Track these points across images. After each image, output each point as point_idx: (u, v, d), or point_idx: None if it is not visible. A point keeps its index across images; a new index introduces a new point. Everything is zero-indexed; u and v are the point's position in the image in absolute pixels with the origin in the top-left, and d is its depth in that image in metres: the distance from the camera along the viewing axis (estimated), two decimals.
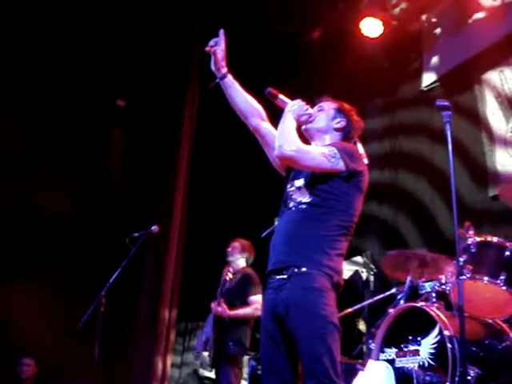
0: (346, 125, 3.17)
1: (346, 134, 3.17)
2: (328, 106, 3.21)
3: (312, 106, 3.22)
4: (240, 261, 5.70)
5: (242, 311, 5.31)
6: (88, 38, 7.94)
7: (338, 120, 3.17)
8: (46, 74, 7.93)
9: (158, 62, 8.52)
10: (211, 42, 3.23)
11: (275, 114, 3.22)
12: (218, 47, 3.21)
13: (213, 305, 5.37)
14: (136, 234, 4.93)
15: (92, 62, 8.15)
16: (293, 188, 3.08)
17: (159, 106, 8.76)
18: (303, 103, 3.15)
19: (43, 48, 7.80)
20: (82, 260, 7.93)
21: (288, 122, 3.03)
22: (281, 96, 3.21)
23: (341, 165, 2.92)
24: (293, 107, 3.10)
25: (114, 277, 4.76)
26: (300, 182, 3.05)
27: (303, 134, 3.14)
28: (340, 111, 3.20)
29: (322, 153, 2.93)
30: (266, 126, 3.25)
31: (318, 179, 2.97)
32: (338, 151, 2.94)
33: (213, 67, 3.25)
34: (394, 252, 4.70)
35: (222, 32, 3.24)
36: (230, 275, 5.44)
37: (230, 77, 3.24)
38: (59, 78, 8.03)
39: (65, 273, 7.70)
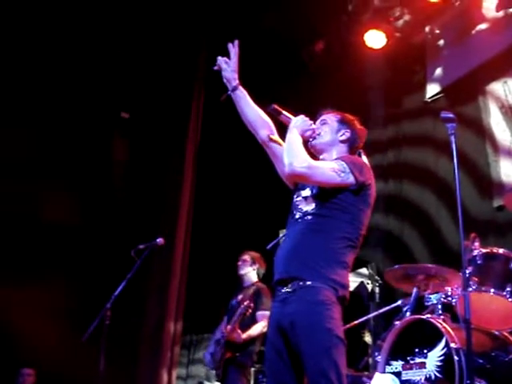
0: (351, 135, 3.18)
1: (352, 144, 3.18)
2: (331, 119, 3.21)
3: (314, 119, 3.24)
4: (251, 274, 5.64)
5: (254, 332, 5.23)
6: (93, 50, 7.99)
7: (343, 132, 3.18)
8: (50, 86, 7.97)
9: (163, 75, 8.55)
10: (220, 60, 3.25)
11: (283, 126, 3.23)
12: (232, 58, 3.23)
13: (227, 329, 5.23)
14: (141, 246, 4.92)
15: (97, 75, 8.20)
16: (299, 198, 3.09)
17: (164, 117, 8.79)
18: (306, 118, 3.16)
19: (48, 60, 7.85)
20: (86, 272, 7.93)
21: (294, 138, 3.03)
22: (284, 112, 3.21)
23: (351, 179, 2.92)
24: (297, 123, 3.11)
25: (119, 289, 4.74)
26: (307, 192, 3.06)
27: (309, 149, 3.14)
28: (343, 122, 3.20)
29: (331, 168, 2.93)
30: (275, 138, 3.25)
31: (325, 189, 2.97)
32: (348, 165, 2.94)
33: (224, 79, 3.27)
34: (396, 267, 4.66)
35: (236, 43, 3.26)
36: (247, 304, 5.19)
37: (241, 89, 3.26)
38: (64, 89, 8.07)
39: (69, 285, 7.70)
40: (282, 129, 3.21)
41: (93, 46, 7.98)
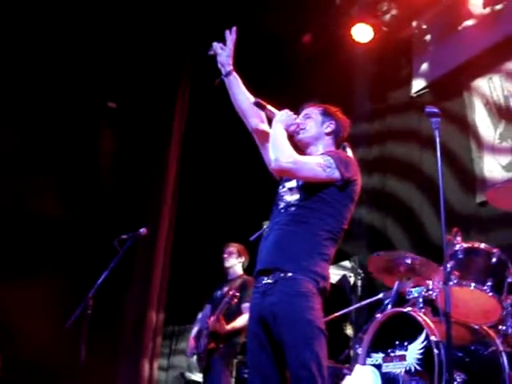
0: (336, 127, 3.19)
1: (337, 135, 3.20)
2: (314, 113, 3.22)
3: (298, 112, 3.24)
4: (237, 266, 5.61)
5: (239, 323, 5.22)
6: (80, 40, 7.92)
7: (327, 124, 3.19)
8: (36, 76, 7.89)
9: (149, 65, 8.51)
10: (216, 45, 3.25)
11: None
12: (228, 45, 3.23)
13: (211, 319, 5.23)
14: (124, 236, 4.90)
15: (83, 64, 8.13)
16: (285, 189, 3.10)
17: (150, 108, 8.75)
18: (291, 113, 3.15)
19: (34, 50, 7.76)
20: (70, 261, 7.89)
21: (279, 133, 3.03)
22: (269, 107, 3.21)
23: (336, 174, 2.94)
24: (281, 118, 3.10)
25: (101, 279, 4.72)
26: (292, 184, 3.07)
27: (294, 143, 3.14)
28: (327, 114, 3.22)
29: (317, 163, 2.94)
30: (264, 127, 3.27)
31: (310, 182, 2.98)
32: (334, 161, 2.95)
33: (219, 64, 3.26)
34: (380, 253, 4.66)
35: (234, 30, 3.25)
36: (232, 294, 5.15)
37: (234, 74, 3.26)
38: (50, 79, 7.99)
39: (53, 274, 7.65)
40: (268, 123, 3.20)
41: (80, 37, 7.90)
